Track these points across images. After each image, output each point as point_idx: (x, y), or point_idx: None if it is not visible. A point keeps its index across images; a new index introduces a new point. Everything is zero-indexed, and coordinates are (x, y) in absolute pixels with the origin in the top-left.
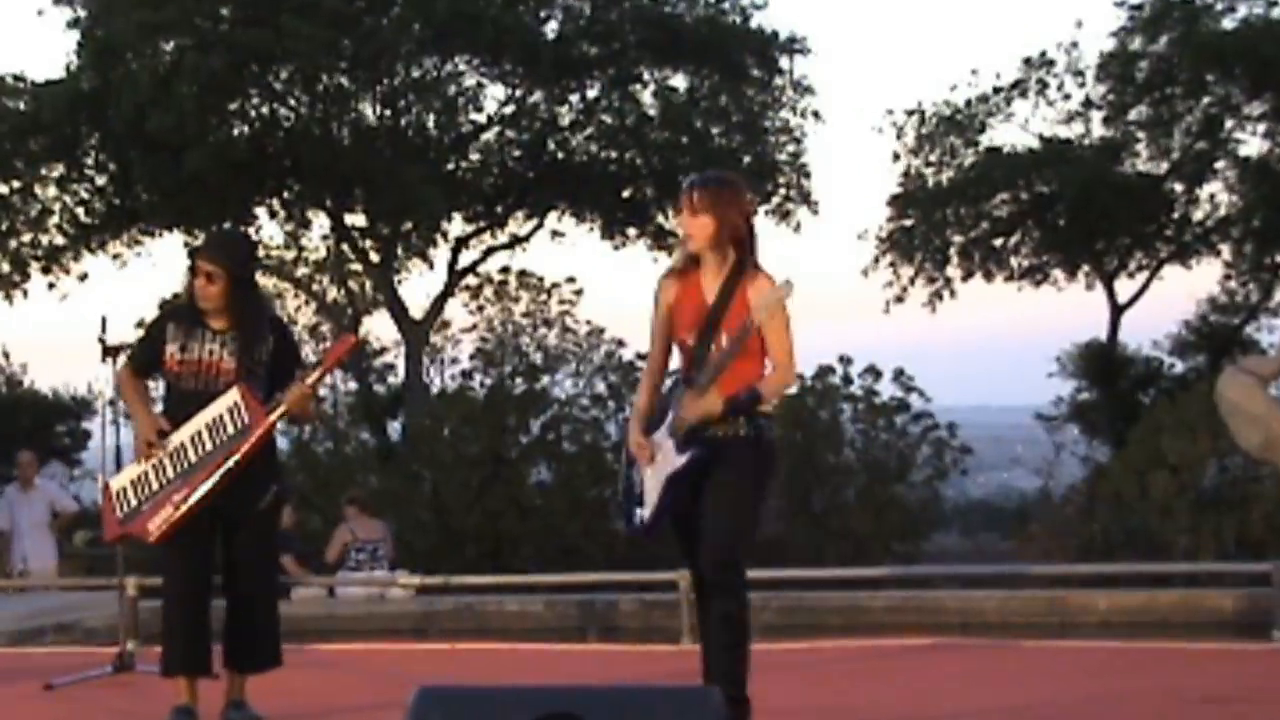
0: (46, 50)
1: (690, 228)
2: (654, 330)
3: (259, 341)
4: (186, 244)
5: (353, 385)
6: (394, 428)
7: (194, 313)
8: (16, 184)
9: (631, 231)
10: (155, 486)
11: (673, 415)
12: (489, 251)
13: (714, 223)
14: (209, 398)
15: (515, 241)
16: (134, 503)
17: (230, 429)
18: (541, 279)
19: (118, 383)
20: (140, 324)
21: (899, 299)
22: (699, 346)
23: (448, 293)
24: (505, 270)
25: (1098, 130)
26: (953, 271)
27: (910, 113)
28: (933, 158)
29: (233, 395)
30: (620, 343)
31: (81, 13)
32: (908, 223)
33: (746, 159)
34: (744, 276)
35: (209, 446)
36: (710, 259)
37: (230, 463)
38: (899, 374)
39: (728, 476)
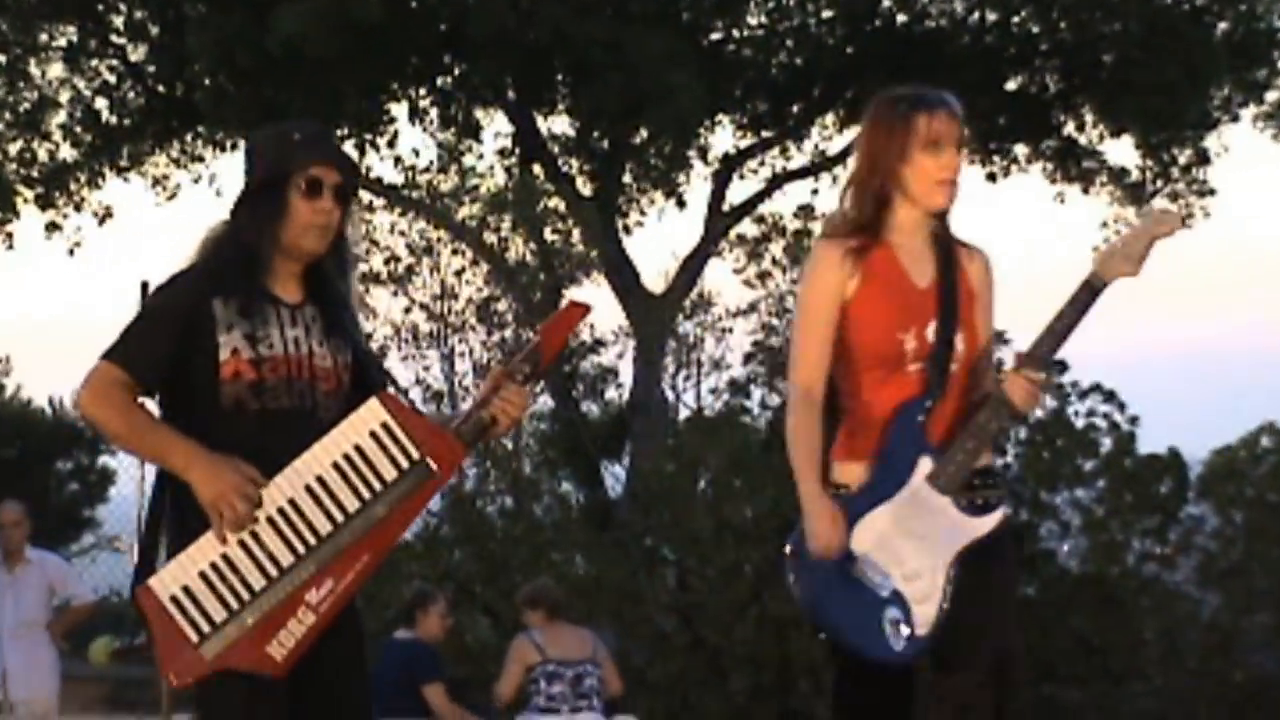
0: None
1: (947, 170)
2: (810, 332)
3: (355, 320)
4: None
5: (546, 403)
6: (615, 474)
7: (257, 273)
8: None
9: (1020, 150)
10: (257, 580)
11: (933, 463)
12: (778, 181)
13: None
14: (307, 423)
15: (821, 165)
16: (218, 613)
17: (386, 469)
18: None
19: (96, 409)
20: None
21: None
22: (937, 352)
23: (708, 249)
24: (806, 212)
25: None
26: None
27: None
28: None
29: (374, 412)
30: (1000, 337)
31: None
32: None
33: (1221, 25)
34: (953, 241)
35: (350, 504)
36: (909, 221)
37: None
38: None
39: (1008, 575)
